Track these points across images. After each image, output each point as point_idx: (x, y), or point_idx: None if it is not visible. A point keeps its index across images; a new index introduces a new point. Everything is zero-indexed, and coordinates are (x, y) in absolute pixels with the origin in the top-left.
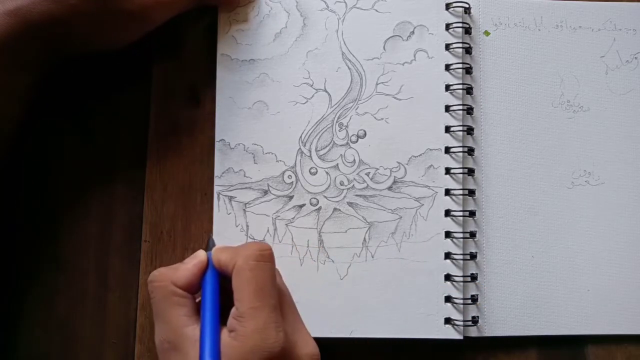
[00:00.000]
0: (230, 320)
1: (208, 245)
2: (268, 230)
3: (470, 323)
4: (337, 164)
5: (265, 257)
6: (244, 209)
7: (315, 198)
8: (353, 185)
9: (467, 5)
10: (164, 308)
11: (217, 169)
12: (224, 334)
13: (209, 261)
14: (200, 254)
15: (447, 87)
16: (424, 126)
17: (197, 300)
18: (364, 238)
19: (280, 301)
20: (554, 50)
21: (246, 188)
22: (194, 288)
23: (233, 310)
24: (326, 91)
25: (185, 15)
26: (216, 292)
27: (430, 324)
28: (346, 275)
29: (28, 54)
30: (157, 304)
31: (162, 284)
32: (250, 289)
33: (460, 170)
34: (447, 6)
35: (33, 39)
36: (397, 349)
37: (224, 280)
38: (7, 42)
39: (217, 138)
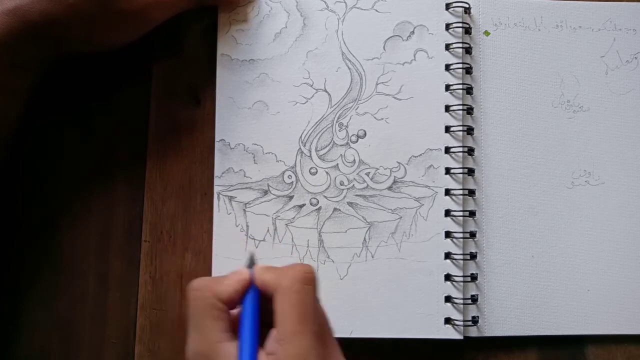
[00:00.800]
0: (270, 343)
1: (249, 262)
2: (268, 230)
3: (470, 323)
4: (337, 164)
5: (309, 281)
6: (244, 209)
7: (315, 198)
8: (353, 185)
9: (467, 5)
10: (202, 319)
11: (217, 169)
12: (262, 355)
13: (251, 279)
14: (244, 271)
15: (447, 87)
16: (424, 126)
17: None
18: (364, 238)
19: (320, 327)
20: (554, 50)
21: (246, 188)
22: (233, 304)
23: (273, 332)
24: (326, 91)
25: (185, 15)
26: (257, 312)
27: (430, 324)
28: (346, 275)
29: (27, 53)
30: (195, 314)
31: (204, 294)
32: (294, 312)
33: (460, 170)
34: (447, 6)
35: (32, 38)
36: (397, 349)
37: (262, 299)
38: (6, 42)
39: (217, 138)
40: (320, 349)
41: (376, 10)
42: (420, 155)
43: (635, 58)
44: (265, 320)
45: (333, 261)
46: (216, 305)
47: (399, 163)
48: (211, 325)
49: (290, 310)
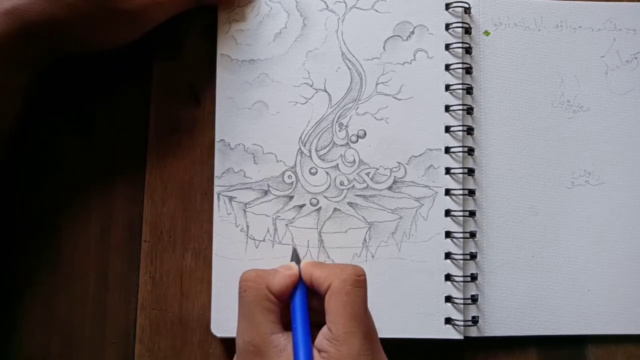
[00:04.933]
0: (322, 341)
1: (294, 257)
2: (268, 231)
3: (470, 323)
4: (337, 164)
5: (361, 283)
6: (244, 209)
7: (315, 198)
8: (353, 185)
9: (467, 5)
10: (254, 310)
11: (217, 169)
12: (314, 353)
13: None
14: (294, 266)
15: (447, 87)
16: (424, 126)
17: None
18: (364, 238)
19: (369, 329)
20: (554, 50)
21: (246, 188)
22: (284, 297)
23: (325, 331)
24: (326, 91)
25: (185, 15)
26: (307, 308)
27: (430, 324)
28: None
29: (25, 53)
30: (248, 305)
31: (257, 285)
32: (346, 313)
33: (460, 170)
34: (447, 6)
35: (30, 38)
36: (397, 349)
37: (308, 294)
38: (4, 42)
39: (217, 138)
40: (370, 349)
41: (376, 10)
42: (420, 155)
43: (635, 58)
44: (312, 316)
45: (333, 261)
46: (268, 297)
47: (399, 163)
48: (263, 316)
49: (343, 311)
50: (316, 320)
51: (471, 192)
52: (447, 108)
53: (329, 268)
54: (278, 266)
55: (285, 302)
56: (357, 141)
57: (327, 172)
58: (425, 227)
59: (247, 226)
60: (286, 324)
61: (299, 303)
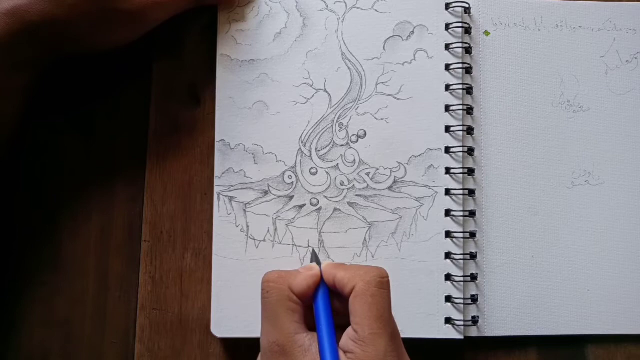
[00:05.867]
0: (347, 342)
1: (313, 259)
2: (268, 231)
3: (470, 323)
4: (338, 164)
5: (385, 285)
6: (244, 209)
7: (315, 198)
8: (353, 185)
9: (467, 5)
10: (277, 311)
11: (217, 169)
12: (340, 354)
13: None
14: (315, 267)
15: (447, 87)
16: (424, 126)
17: None
18: (365, 238)
19: (394, 330)
20: (554, 50)
21: (246, 188)
22: (306, 298)
23: (350, 332)
24: (326, 91)
25: (185, 15)
26: (329, 307)
27: (430, 324)
28: None
29: (25, 53)
30: (271, 305)
31: (280, 286)
32: (371, 314)
33: (461, 170)
34: (447, 6)
35: (30, 39)
36: None
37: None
38: (4, 42)
39: (217, 138)
40: (395, 350)
41: (376, 10)
42: (421, 155)
43: (635, 58)
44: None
45: (333, 261)
46: (291, 297)
47: (399, 163)
48: (287, 317)
49: (368, 313)
50: (337, 321)
51: (471, 192)
52: (447, 108)
53: (352, 270)
54: (277, 266)
55: (307, 302)
56: (357, 141)
57: (327, 172)
58: (426, 227)
59: (247, 226)
60: (309, 325)
61: (322, 303)
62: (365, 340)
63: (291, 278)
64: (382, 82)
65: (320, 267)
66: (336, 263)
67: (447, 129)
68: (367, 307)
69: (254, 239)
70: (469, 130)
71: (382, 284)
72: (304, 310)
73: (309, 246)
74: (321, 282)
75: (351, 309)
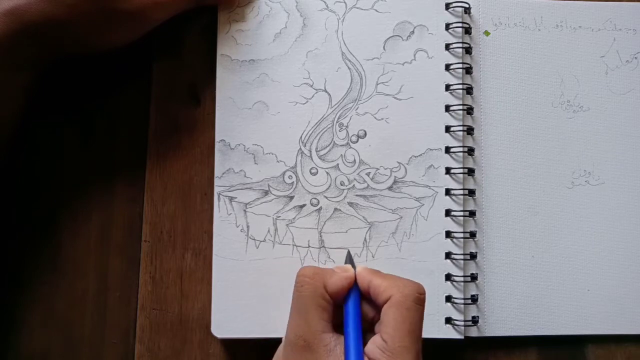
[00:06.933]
0: (374, 349)
1: (347, 260)
2: (269, 231)
3: (470, 323)
4: (338, 164)
5: (422, 301)
6: (244, 210)
7: (315, 198)
8: (353, 185)
9: (467, 5)
10: (308, 306)
11: (218, 170)
12: None
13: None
14: (350, 269)
15: (447, 87)
16: (424, 126)
17: None
18: (365, 238)
19: (421, 347)
20: (554, 50)
21: (247, 188)
22: (338, 298)
23: (378, 340)
24: (326, 91)
25: (185, 15)
26: (359, 311)
27: (430, 323)
28: None
29: (25, 54)
30: (303, 300)
31: (315, 282)
32: (404, 327)
33: (461, 170)
34: (447, 6)
35: (30, 39)
36: None
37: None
38: (4, 43)
39: (217, 138)
40: None
41: (376, 10)
42: (421, 155)
43: (635, 58)
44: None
45: (334, 261)
46: (324, 295)
47: (399, 163)
48: (317, 313)
49: (402, 325)
50: (363, 326)
51: (471, 192)
52: (447, 108)
53: (390, 279)
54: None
55: (339, 303)
56: (357, 141)
57: (327, 172)
58: (426, 227)
59: (248, 226)
60: (335, 325)
61: (353, 307)
62: (395, 352)
63: (326, 276)
64: (382, 82)
65: (354, 269)
66: (372, 269)
67: (447, 129)
68: (402, 320)
69: (254, 239)
70: (469, 130)
71: (420, 299)
72: (333, 310)
73: (309, 246)
74: (354, 285)
75: (383, 318)
